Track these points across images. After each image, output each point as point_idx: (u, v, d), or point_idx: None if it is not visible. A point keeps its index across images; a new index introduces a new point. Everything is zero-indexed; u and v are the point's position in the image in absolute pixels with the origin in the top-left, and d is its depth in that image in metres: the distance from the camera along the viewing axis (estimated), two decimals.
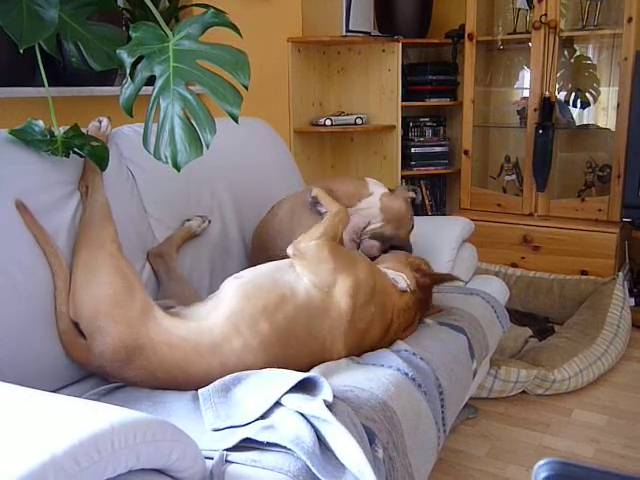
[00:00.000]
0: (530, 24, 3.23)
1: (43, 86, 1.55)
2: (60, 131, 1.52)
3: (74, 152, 1.53)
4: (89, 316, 1.39)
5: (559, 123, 3.34)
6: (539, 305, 3.03)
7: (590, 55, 3.43)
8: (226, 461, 1.08)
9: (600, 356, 2.50)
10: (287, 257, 1.58)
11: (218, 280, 1.88)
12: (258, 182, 2.15)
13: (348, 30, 3.16)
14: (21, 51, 1.44)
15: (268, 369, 1.35)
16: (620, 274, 2.89)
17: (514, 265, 3.27)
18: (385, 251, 1.84)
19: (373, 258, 1.78)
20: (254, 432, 1.12)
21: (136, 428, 0.87)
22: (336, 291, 1.47)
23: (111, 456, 0.83)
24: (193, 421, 1.21)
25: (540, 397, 2.39)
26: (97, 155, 1.56)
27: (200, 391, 1.27)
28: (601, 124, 3.38)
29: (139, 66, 1.44)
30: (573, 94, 3.40)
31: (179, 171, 1.43)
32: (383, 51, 3.39)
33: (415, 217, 1.96)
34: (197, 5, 1.74)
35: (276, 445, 1.10)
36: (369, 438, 1.21)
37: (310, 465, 1.07)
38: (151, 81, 1.45)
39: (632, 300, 3.00)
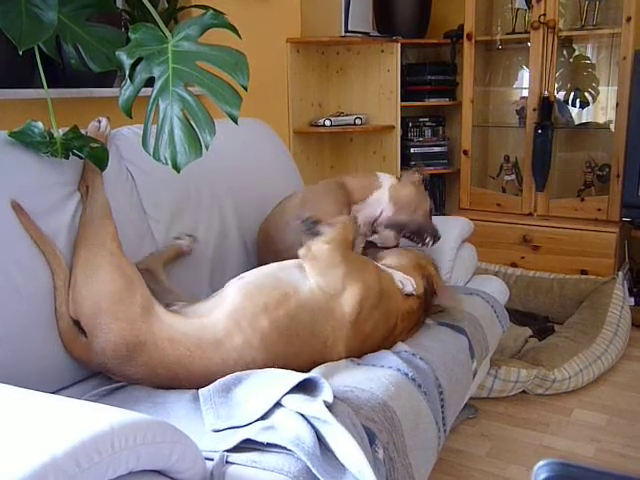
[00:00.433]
0: (529, 24, 3.23)
1: (42, 88, 1.55)
2: (59, 133, 1.52)
3: (73, 154, 1.53)
4: (90, 313, 1.39)
5: (558, 123, 3.34)
6: (539, 305, 3.03)
7: (589, 55, 3.43)
8: (226, 462, 1.08)
9: (600, 355, 2.50)
10: (295, 249, 1.58)
11: (218, 280, 1.88)
12: (258, 183, 2.15)
13: (347, 30, 3.16)
14: (20, 53, 1.44)
15: (269, 369, 1.36)
16: (620, 273, 2.89)
17: (514, 265, 3.27)
18: (405, 235, 1.88)
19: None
20: (254, 433, 1.12)
21: (136, 429, 0.87)
22: (344, 296, 1.47)
23: (111, 457, 0.83)
24: (193, 422, 1.21)
25: (540, 397, 2.39)
26: (96, 156, 1.56)
27: (201, 391, 1.28)
28: (600, 123, 3.38)
29: (138, 67, 1.44)
30: (572, 94, 3.40)
31: (179, 172, 1.43)
32: (382, 51, 3.39)
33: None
34: (196, 6, 1.74)
35: (276, 446, 1.10)
36: (369, 439, 1.21)
37: (310, 466, 1.07)
38: (150, 82, 1.45)
39: (632, 299, 3.01)
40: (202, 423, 1.20)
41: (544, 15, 3.14)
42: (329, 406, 1.17)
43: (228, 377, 1.32)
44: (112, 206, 1.58)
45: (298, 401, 1.18)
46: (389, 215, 1.88)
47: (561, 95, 3.39)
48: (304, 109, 3.41)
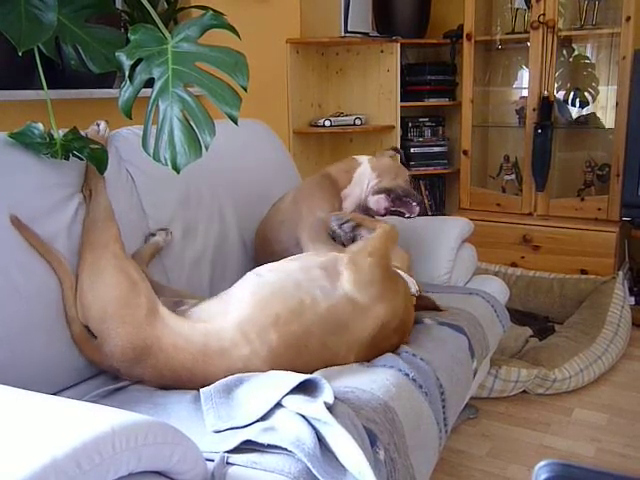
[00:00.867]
0: (528, 24, 3.24)
1: (42, 89, 1.55)
2: (59, 134, 1.52)
3: (73, 155, 1.53)
4: (97, 318, 1.40)
5: (558, 122, 3.34)
6: (539, 304, 3.03)
7: (589, 54, 3.43)
8: (227, 463, 1.08)
9: (600, 355, 2.50)
10: (290, 250, 1.57)
11: (218, 280, 1.89)
12: (257, 183, 2.15)
13: (346, 31, 3.16)
14: (20, 54, 1.44)
15: (270, 371, 1.35)
16: (620, 273, 2.89)
17: (514, 265, 3.27)
18: (393, 202, 1.96)
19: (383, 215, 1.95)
20: (255, 434, 1.12)
21: (137, 430, 0.87)
22: (371, 314, 1.44)
23: (112, 459, 0.83)
24: (194, 423, 1.21)
25: (541, 396, 2.39)
26: (96, 158, 1.56)
27: (202, 390, 1.28)
28: (600, 123, 3.38)
29: (138, 68, 1.44)
30: (572, 93, 3.40)
31: (178, 173, 1.43)
32: (382, 51, 3.39)
33: (415, 218, 1.99)
34: (196, 7, 1.74)
35: (277, 447, 1.10)
36: (370, 439, 1.21)
37: (311, 467, 1.07)
38: (150, 83, 1.45)
39: (632, 299, 3.01)
40: (203, 424, 1.20)
41: (543, 15, 3.14)
42: (330, 407, 1.17)
43: (230, 378, 1.32)
44: (112, 207, 1.58)
45: (299, 402, 1.18)
46: (374, 184, 1.97)
47: (561, 95, 3.39)
48: (304, 109, 3.41)
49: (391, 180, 1.98)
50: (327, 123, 3.29)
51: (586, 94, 3.39)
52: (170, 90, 1.42)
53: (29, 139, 1.48)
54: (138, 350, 1.36)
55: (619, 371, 2.58)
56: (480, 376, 2.12)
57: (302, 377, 1.24)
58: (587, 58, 3.43)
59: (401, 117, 3.45)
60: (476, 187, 3.57)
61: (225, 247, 1.96)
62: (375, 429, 1.24)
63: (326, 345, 1.40)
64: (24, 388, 1.03)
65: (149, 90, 1.45)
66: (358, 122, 3.37)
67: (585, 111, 3.41)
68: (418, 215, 2.00)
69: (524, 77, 3.50)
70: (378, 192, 1.96)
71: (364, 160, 2.05)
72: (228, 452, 1.10)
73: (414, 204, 1.96)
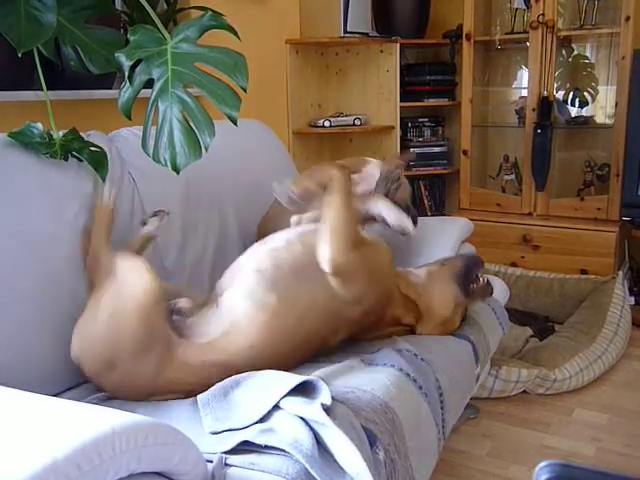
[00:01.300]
0: (528, 24, 3.23)
1: (41, 90, 1.55)
2: (59, 134, 1.52)
3: (72, 155, 1.53)
4: (103, 359, 1.32)
5: (557, 122, 3.34)
6: (539, 304, 3.03)
7: (588, 54, 3.43)
8: (225, 464, 1.08)
9: (600, 355, 2.50)
10: None
11: (218, 280, 1.88)
12: (257, 184, 2.15)
13: (346, 31, 3.16)
14: (19, 55, 1.44)
15: (267, 371, 1.36)
16: (620, 273, 2.89)
17: (514, 265, 3.27)
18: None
19: None
20: (252, 435, 1.12)
21: (137, 432, 0.87)
22: (359, 305, 1.49)
23: (112, 460, 0.83)
24: (192, 424, 1.21)
25: (541, 397, 2.39)
26: (96, 160, 1.56)
27: (199, 397, 1.27)
28: (599, 123, 3.38)
29: (137, 69, 1.44)
30: (571, 93, 3.40)
31: (178, 174, 1.43)
32: (381, 52, 3.39)
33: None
34: (195, 8, 1.75)
35: (274, 448, 1.10)
36: (370, 440, 1.21)
37: (309, 468, 1.07)
38: (150, 84, 1.45)
39: (632, 299, 3.01)
40: (201, 426, 1.20)
41: (543, 15, 3.14)
42: (328, 408, 1.17)
43: (226, 380, 1.31)
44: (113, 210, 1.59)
45: (296, 404, 1.18)
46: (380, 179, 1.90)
47: (560, 95, 3.39)
48: (303, 110, 3.41)
49: (397, 192, 1.92)
50: (327, 123, 3.29)
51: (585, 94, 3.39)
52: (170, 91, 1.42)
53: (28, 138, 1.48)
54: (149, 389, 1.33)
55: (619, 371, 2.58)
56: (480, 377, 2.12)
57: (300, 379, 1.24)
58: (586, 58, 3.43)
59: (401, 117, 3.45)
60: (476, 187, 3.57)
61: (225, 247, 1.96)
62: (375, 430, 1.24)
63: (318, 333, 1.45)
64: (25, 389, 1.03)
65: (149, 91, 1.45)
66: (358, 122, 3.37)
67: (585, 111, 3.41)
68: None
69: (523, 77, 3.50)
70: (381, 180, 1.91)
71: (375, 163, 2.01)
72: (226, 453, 1.10)
73: (409, 214, 1.85)
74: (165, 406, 1.32)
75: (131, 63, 1.43)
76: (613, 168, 3.15)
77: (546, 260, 3.19)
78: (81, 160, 1.55)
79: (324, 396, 1.20)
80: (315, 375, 1.31)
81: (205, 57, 1.45)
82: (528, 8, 3.24)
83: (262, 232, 1.99)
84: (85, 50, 1.65)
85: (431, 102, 3.62)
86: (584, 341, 2.55)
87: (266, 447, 1.10)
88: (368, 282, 1.48)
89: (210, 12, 1.49)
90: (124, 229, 1.65)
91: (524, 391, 2.38)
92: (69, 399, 1.10)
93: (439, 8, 3.64)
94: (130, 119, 1.47)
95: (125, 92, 1.45)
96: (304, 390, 1.23)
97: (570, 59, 3.44)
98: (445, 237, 2.18)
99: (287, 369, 1.36)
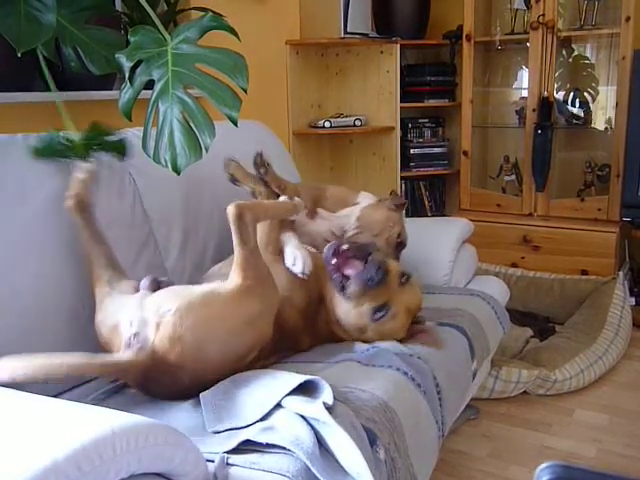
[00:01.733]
0: (528, 24, 3.24)
1: (42, 91, 1.55)
2: (77, 136, 1.52)
3: (93, 150, 1.53)
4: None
5: (558, 123, 3.34)
6: (539, 305, 3.03)
7: (588, 55, 3.44)
8: (227, 464, 1.08)
9: (601, 355, 2.49)
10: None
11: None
12: None
13: (346, 32, 3.16)
14: (19, 55, 1.44)
15: (269, 370, 1.36)
16: (620, 273, 2.89)
17: (514, 265, 3.27)
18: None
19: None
20: (254, 434, 1.12)
21: (138, 432, 0.87)
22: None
23: (113, 461, 0.83)
24: (193, 424, 1.21)
25: (542, 397, 2.39)
26: (116, 148, 1.57)
27: (202, 395, 1.27)
28: (600, 123, 3.38)
29: (138, 70, 1.44)
30: (571, 94, 3.40)
31: (179, 174, 1.43)
32: (381, 52, 3.39)
33: (415, 218, 1.96)
34: (195, 9, 1.75)
35: (276, 446, 1.10)
36: (370, 439, 1.21)
37: (310, 466, 1.07)
38: (150, 85, 1.45)
39: (632, 299, 3.01)
40: (202, 425, 1.20)
41: (543, 15, 3.14)
42: (329, 408, 1.17)
43: (228, 380, 1.31)
44: (114, 209, 1.59)
45: (298, 402, 1.18)
46: (350, 234, 1.81)
47: (560, 95, 3.39)
48: (304, 111, 3.41)
49: (369, 237, 1.80)
50: (327, 124, 3.29)
51: (586, 94, 3.39)
52: (170, 92, 1.43)
53: (53, 150, 1.48)
54: None
55: (620, 371, 2.58)
56: (481, 377, 2.12)
57: (302, 378, 1.24)
58: (587, 58, 3.44)
59: (401, 118, 3.45)
60: (476, 188, 3.57)
61: (226, 248, 1.96)
62: (375, 429, 1.24)
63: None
64: (25, 390, 1.03)
65: (149, 92, 1.45)
66: (358, 123, 3.37)
67: (585, 111, 3.41)
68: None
69: (524, 77, 3.50)
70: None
71: (362, 204, 1.87)
72: (227, 453, 1.10)
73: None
74: (166, 406, 1.32)
75: (131, 64, 1.43)
76: (613, 168, 3.15)
77: (546, 261, 3.19)
78: (106, 151, 1.56)
79: (326, 395, 1.20)
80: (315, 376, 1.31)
81: (205, 58, 1.46)
82: (528, 8, 3.24)
83: None
84: (85, 51, 1.66)
85: (431, 103, 3.62)
86: (585, 342, 2.55)
87: (267, 445, 1.10)
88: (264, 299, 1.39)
89: (210, 13, 1.49)
90: (125, 230, 1.65)
91: (525, 392, 2.38)
92: (69, 399, 1.10)
93: (439, 9, 3.64)
94: (131, 120, 1.47)
95: (125, 93, 1.45)
96: (306, 389, 1.23)
97: (570, 59, 3.44)
98: (446, 237, 2.19)
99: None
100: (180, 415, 1.26)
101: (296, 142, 3.36)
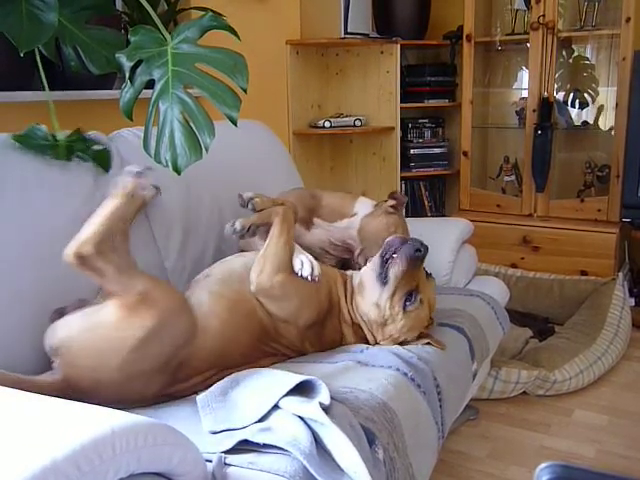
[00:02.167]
0: (528, 25, 3.24)
1: (42, 90, 1.55)
2: (63, 135, 1.52)
3: (77, 156, 1.53)
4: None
5: (558, 123, 3.34)
6: (539, 306, 3.03)
7: (588, 55, 3.43)
8: (225, 464, 1.08)
9: (600, 356, 2.50)
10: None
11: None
12: (258, 184, 2.15)
13: (346, 32, 3.16)
14: (21, 55, 1.44)
15: (266, 369, 1.37)
16: (620, 274, 2.89)
17: (514, 266, 3.27)
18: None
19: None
20: (251, 434, 1.12)
21: (137, 432, 0.87)
22: (298, 324, 1.51)
23: (112, 460, 0.83)
24: (191, 424, 1.21)
25: (541, 398, 2.39)
26: (99, 158, 1.56)
27: (198, 398, 1.27)
28: (600, 124, 3.38)
29: (138, 70, 1.44)
30: (572, 94, 3.41)
31: (179, 174, 1.43)
32: (381, 53, 3.39)
33: (415, 219, 1.95)
34: (195, 8, 1.75)
35: (273, 447, 1.10)
36: (369, 439, 1.21)
37: (307, 465, 1.07)
38: (150, 85, 1.45)
39: (632, 300, 3.01)
40: (200, 425, 1.20)
41: (543, 16, 3.14)
42: (327, 408, 1.17)
43: (225, 380, 1.32)
44: None
45: (295, 403, 1.18)
46: (358, 253, 1.83)
47: (560, 96, 3.39)
48: (304, 110, 3.41)
49: (375, 250, 1.76)
50: (327, 124, 3.29)
51: (586, 95, 3.40)
52: (170, 91, 1.43)
53: (33, 141, 1.48)
54: None
55: (619, 372, 2.58)
56: (480, 377, 2.12)
57: (299, 378, 1.24)
58: (587, 59, 3.43)
59: (401, 118, 3.45)
60: (476, 188, 3.57)
61: (226, 248, 1.96)
62: (374, 428, 1.24)
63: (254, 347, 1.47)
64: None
65: (150, 91, 1.45)
66: (358, 123, 3.37)
67: (585, 112, 3.41)
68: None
69: (524, 78, 3.50)
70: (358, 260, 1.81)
71: (360, 214, 1.84)
72: (225, 453, 1.10)
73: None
74: (164, 406, 1.32)
75: (132, 64, 1.43)
76: (613, 169, 3.15)
77: (546, 261, 3.19)
78: (85, 160, 1.55)
79: (323, 395, 1.20)
80: (312, 376, 1.31)
81: (205, 58, 1.46)
82: (528, 9, 3.24)
83: None
84: (86, 50, 1.66)
85: (431, 103, 3.62)
86: (584, 342, 2.55)
87: (265, 446, 1.11)
88: (300, 300, 1.50)
89: (210, 13, 1.49)
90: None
91: (524, 392, 2.38)
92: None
93: (439, 9, 3.64)
94: (132, 120, 1.47)
95: (126, 93, 1.45)
96: (303, 390, 1.23)
97: (570, 60, 3.44)
98: (445, 238, 2.19)
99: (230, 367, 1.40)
100: (179, 415, 1.26)
101: (296, 142, 3.36)
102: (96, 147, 1.56)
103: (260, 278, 1.49)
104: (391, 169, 3.50)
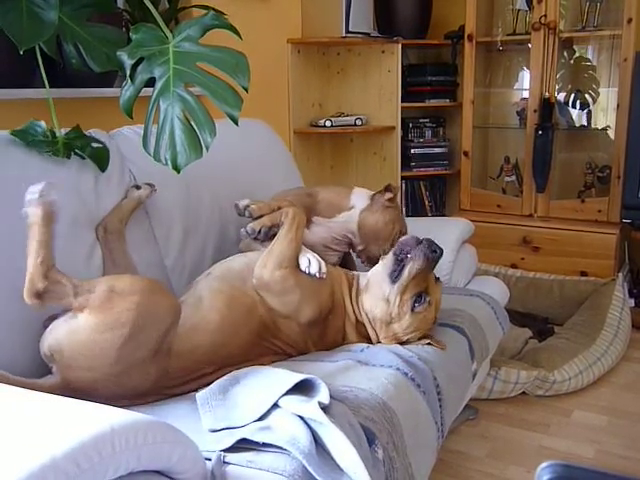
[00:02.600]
0: (530, 25, 3.23)
1: (43, 87, 1.55)
2: (61, 132, 1.52)
3: (75, 153, 1.53)
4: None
5: (559, 124, 3.34)
6: (539, 306, 3.03)
7: (590, 56, 3.43)
8: (224, 462, 1.08)
9: (600, 357, 2.50)
10: None
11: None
12: (258, 183, 2.15)
13: (348, 31, 3.16)
14: (21, 52, 1.44)
15: (265, 368, 1.37)
16: (620, 275, 2.89)
17: (514, 266, 3.27)
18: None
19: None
20: (251, 433, 1.12)
21: (137, 430, 0.87)
22: (299, 320, 1.51)
23: (111, 458, 0.83)
24: (191, 422, 1.21)
25: (540, 398, 2.39)
26: (98, 156, 1.56)
27: (198, 395, 1.27)
28: (600, 125, 3.38)
29: (139, 68, 1.44)
30: (573, 95, 3.40)
31: (179, 173, 1.43)
32: (383, 52, 3.39)
33: (415, 218, 1.95)
34: (197, 7, 1.74)
35: (272, 446, 1.10)
36: (369, 439, 1.21)
37: (306, 464, 1.07)
38: (151, 83, 1.45)
39: (632, 301, 3.00)
40: (199, 423, 1.20)
41: (545, 16, 3.14)
42: (326, 407, 1.17)
43: (225, 378, 1.32)
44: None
45: (294, 402, 1.18)
46: (360, 249, 1.84)
47: (561, 96, 3.39)
48: (304, 110, 3.41)
49: (376, 246, 1.80)
50: (328, 123, 3.29)
51: (587, 96, 3.39)
52: (171, 90, 1.43)
53: (31, 137, 1.48)
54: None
55: (619, 373, 2.58)
56: (480, 377, 2.12)
57: (299, 377, 1.24)
58: (588, 60, 3.43)
59: (402, 118, 3.45)
60: (476, 188, 3.57)
61: (226, 247, 1.96)
62: (374, 428, 1.24)
63: (253, 343, 1.47)
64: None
65: (150, 89, 1.45)
66: (359, 122, 3.37)
67: (586, 113, 3.41)
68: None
69: (525, 78, 3.50)
70: (371, 260, 1.80)
71: (357, 207, 1.84)
72: (224, 451, 1.10)
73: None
74: (164, 404, 1.32)
75: (133, 62, 1.43)
76: (614, 170, 3.15)
77: (546, 262, 3.19)
78: (84, 158, 1.55)
79: (322, 395, 1.20)
80: (312, 375, 1.31)
81: (207, 56, 1.46)
82: (530, 9, 3.23)
83: None
84: (87, 48, 1.65)
85: (432, 103, 3.62)
86: (584, 343, 2.55)
87: (264, 445, 1.11)
88: (301, 295, 1.51)
89: (212, 11, 1.49)
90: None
91: (523, 392, 2.38)
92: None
93: (441, 9, 3.64)
94: (132, 118, 1.47)
95: (127, 91, 1.45)
96: (303, 389, 1.23)
97: (572, 61, 3.44)
98: (446, 238, 2.18)
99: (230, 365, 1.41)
100: (178, 413, 1.26)
101: (297, 141, 3.36)
102: (95, 144, 1.55)
103: (262, 272, 1.51)
104: (392, 169, 3.50)
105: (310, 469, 1.07)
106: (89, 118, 1.70)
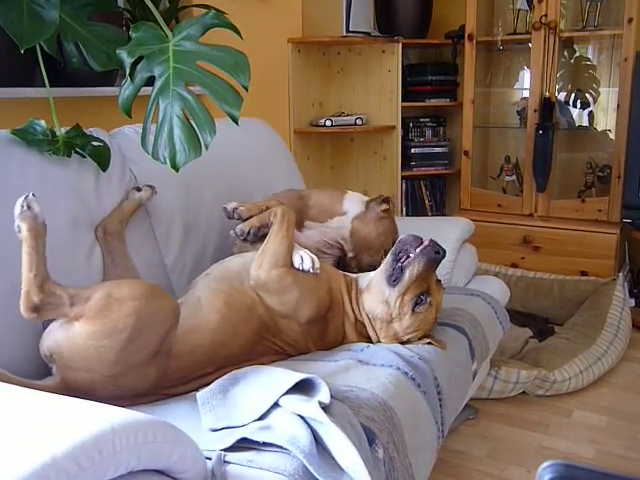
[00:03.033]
0: (530, 25, 3.23)
1: (43, 86, 1.54)
2: (62, 131, 1.51)
3: (76, 152, 1.53)
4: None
5: (559, 124, 3.34)
6: (539, 306, 3.03)
7: (590, 56, 3.43)
8: (224, 461, 1.08)
9: (600, 357, 2.49)
10: None
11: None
12: (258, 182, 2.15)
13: (348, 30, 3.16)
14: (22, 51, 1.44)
15: (266, 367, 1.37)
16: (620, 275, 2.89)
17: (514, 265, 3.27)
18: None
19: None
20: (251, 432, 1.12)
21: (137, 429, 0.87)
22: (298, 318, 1.51)
23: (112, 457, 0.83)
24: (191, 421, 1.21)
25: (540, 398, 2.39)
26: (98, 155, 1.56)
27: (198, 395, 1.27)
28: (601, 125, 3.38)
29: (139, 66, 1.44)
30: (573, 95, 3.40)
31: (177, 171, 1.43)
32: (383, 51, 3.39)
33: (415, 218, 1.94)
34: (197, 6, 1.74)
35: (272, 445, 1.10)
36: (369, 438, 1.21)
37: (307, 464, 1.07)
38: (151, 82, 1.45)
39: (632, 301, 3.00)
40: (200, 423, 1.20)
41: (545, 16, 3.14)
42: (326, 406, 1.17)
43: (225, 377, 1.32)
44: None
45: (295, 401, 1.18)
46: (351, 256, 1.82)
47: (562, 96, 3.39)
48: (305, 109, 3.41)
49: (368, 255, 1.80)
50: (328, 123, 3.29)
51: (587, 96, 3.39)
52: (171, 88, 1.42)
53: (31, 136, 1.48)
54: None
55: (619, 373, 2.58)
56: (480, 377, 2.12)
57: (299, 377, 1.24)
58: (588, 59, 3.43)
59: (402, 117, 3.45)
60: (477, 188, 3.57)
61: (226, 246, 1.95)
62: (374, 427, 1.24)
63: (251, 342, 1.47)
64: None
65: (150, 88, 1.45)
66: (359, 122, 3.37)
67: (586, 112, 3.41)
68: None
69: (525, 78, 3.50)
70: (364, 268, 1.78)
71: (350, 213, 1.81)
72: (225, 450, 1.10)
73: None
74: (164, 404, 1.32)
75: (132, 60, 1.43)
76: (614, 170, 3.15)
77: (546, 261, 3.19)
78: (84, 156, 1.55)
79: (322, 394, 1.20)
80: (313, 374, 1.31)
81: (207, 55, 1.45)
82: (531, 9, 3.23)
83: None
84: (87, 47, 1.65)
85: (433, 102, 3.62)
86: (584, 343, 2.55)
87: (264, 444, 1.11)
88: (299, 293, 1.50)
89: (212, 10, 1.49)
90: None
91: (523, 392, 2.38)
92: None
93: (441, 8, 3.64)
94: (130, 117, 1.46)
95: (126, 89, 1.45)
96: (303, 388, 1.23)
97: (572, 60, 3.44)
98: (446, 237, 2.18)
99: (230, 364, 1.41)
100: (179, 412, 1.26)
101: (297, 140, 3.36)
102: (95, 143, 1.55)
103: (258, 272, 1.51)
104: (392, 168, 3.50)
105: (310, 468, 1.07)
106: (90, 117, 1.70)
